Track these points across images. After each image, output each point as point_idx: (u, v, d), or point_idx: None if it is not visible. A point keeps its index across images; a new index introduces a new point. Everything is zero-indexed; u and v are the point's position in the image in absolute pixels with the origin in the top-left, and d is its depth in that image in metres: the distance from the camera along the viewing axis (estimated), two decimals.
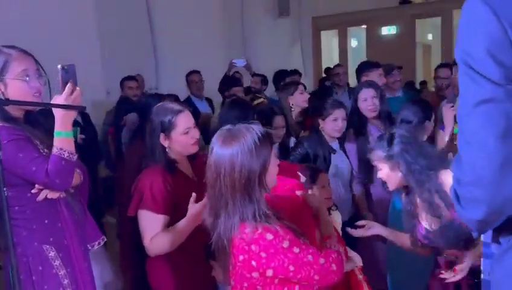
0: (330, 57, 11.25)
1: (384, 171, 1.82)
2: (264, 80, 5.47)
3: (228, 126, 1.37)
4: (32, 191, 1.59)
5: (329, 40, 11.35)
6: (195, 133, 1.86)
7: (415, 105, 2.45)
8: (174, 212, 1.78)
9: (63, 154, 1.54)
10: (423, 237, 1.86)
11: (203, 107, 4.42)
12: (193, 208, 1.66)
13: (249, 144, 1.28)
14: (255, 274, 1.29)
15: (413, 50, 9.83)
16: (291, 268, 1.26)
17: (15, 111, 1.59)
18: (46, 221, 1.62)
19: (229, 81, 4.54)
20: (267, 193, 1.34)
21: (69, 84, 1.51)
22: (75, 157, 1.58)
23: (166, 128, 1.81)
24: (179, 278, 1.82)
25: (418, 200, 1.83)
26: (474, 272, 1.79)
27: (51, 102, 1.53)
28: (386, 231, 2.03)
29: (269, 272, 1.28)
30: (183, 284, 1.82)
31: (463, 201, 0.90)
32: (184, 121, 1.83)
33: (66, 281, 1.63)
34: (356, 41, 12.21)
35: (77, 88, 1.53)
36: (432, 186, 1.72)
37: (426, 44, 12.01)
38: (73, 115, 1.58)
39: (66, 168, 1.54)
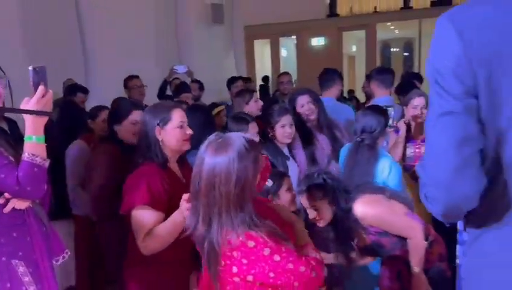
0: (263, 65, 11.51)
1: (323, 209, 1.91)
2: (201, 87, 5.47)
3: (216, 135, 1.36)
4: (0, 201, 1.46)
5: (262, 49, 11.61)
6: (189, 130, 1.85)
7: (376, 113, 2.42)
8: (168, 209, 1.75)
9: (35, 160, 1.45)
10: (360, 251, 2.02)
11: None
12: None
13: (242, 152, 1.27)
14: (236, 279, 1.31)
15: (340, 60, 10.37)
16: (271, 275, 1.27)
17: None
18: (15, 234, 1.51)
19: (179, 87, 4.48)
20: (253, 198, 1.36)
21: (41, 86, 1.43)
22: (47, 163, 1.49)
23: (162, 121, 1.79)
24: (162, 281, 1.77)
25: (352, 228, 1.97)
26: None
27: (22, 105, 1.43)
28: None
29: (249, 278, 1.29)
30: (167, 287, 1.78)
31: (428, 198, 1.02)
32: (179, 115, 1.83)
33: None
34: (286, 50, 12.63)
35: (49, 91, 1.46)
36: (352, 219, 1.89)
37: (351, 55, 12.76)
38: (45, 118, 1.49)
39: (38, 174, 1.45)
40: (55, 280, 1.64)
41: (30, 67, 1.45)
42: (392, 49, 14.31)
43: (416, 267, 1.91)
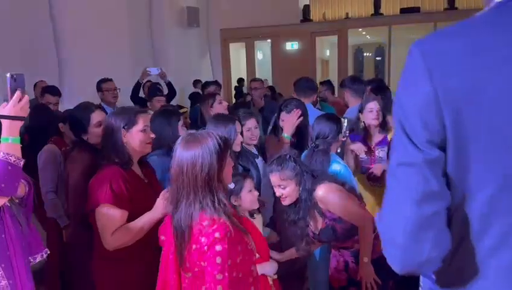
0: (238, 68, 11.65)
1: (290, 188, 2.10)
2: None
3: (191, 131, 1.57)
4: None
5: (238, 52, 11.75)
6: (152, 133, 2.00)
7: (329, 120, 2.61)
8: (131, 208, 1.88)
9: (10, 159, 1.53)
10: (313, 237, 2.22)
11: None
12: (159, 204, 1.79)
13: (209, 146, 1.48)
14: (203, 263, 1.46)
15: (314, 64, 10.61)
16: (219, 277, 1.42)
17: None
18: None
19: (151, 90, 4.59)
20: (224, 188, 1.54)
21: (17, 92, 1.54)
22: (22, 162, 1.58)
23: (127, 125, 1.92)
24: (124, 277, 1.90)
25: (311, 211, 2.16)
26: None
27: None
28: (279, 256, 2.23)
29: (203, 263, 1.46)
30: (128, 284, 1.90)
31: (386, 253, 0.90)
32: (144, 120, 1.99)
33: None
34: (262, 54, 12.82)
35: (25, 96, 1.56)
36: (310, 201, 2.10)
37: (324, 59, 13.04)
38: (20, 122, 1.59)
39: (12, 173, 1.53)
40: (29, 278, 1.72)
41: (8, 74, 1.55)
42: (364, 54, 14.69)
43: (365, 257, 2.10)
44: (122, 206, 1.85)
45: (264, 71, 11.74)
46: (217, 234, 1.43)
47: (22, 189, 1.73)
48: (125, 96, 4.83)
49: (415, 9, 9.89)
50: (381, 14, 10.31)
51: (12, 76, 1.55)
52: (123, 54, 7.20)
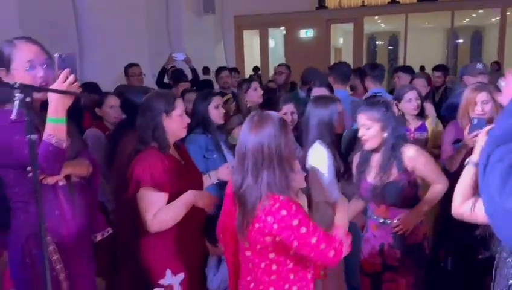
0: (251, 56, 11.61)
1: (374, 130, 2.10)
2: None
3: (255, 112, 1.57)
4: (29, 175, 1.53)
5: (251, 39, 11.69)
6: (187, 119, 2.00)
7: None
8: (171, 189, 1.89)
9: (51, 140, 1.52)
10: (366, 191, 2.20)
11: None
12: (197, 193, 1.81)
13: (277, 126, 1.51)
14: (268, 239, 1.48)
15: (328, 52, 10.55)
16: (295, 243, 1.46)
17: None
18: (45, 205, 1.58)
19: (175, 76, 4.59)
20: (291, 167, 1.55)
21: (64, 72, 1.50)
22: (64, 144, 1.56)
23: (168, 109, 1.92)
24: (169, 255, 1.91)
25: (377, 159, 2.16)
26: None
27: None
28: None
29: (277, 238, 1.48)
30: (174, 261, 1.89)
31: None
32: (181, 105, 1.99)
33: (58, 266, 1.64)
34: (274, 41, 12.75)
35: (71, 76, 1.51)
36: (398, 152, 2.10)
37: (337, 47, 12.96)
38: (67, 103, 1.56)
39: (53, 153, 1.52)
40: (84, 254, 1.76)
41: (56, 54, 1.52)
42: (377, 42, 14.59)
43: (426, 205, 2.14)
44: (162, 189, 1.86)
45: (276, 59, 11.69)
46: (283, 212, 1.45)
47: (84, 170, 1.74)
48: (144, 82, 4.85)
49: None
50: (398, 2, 10.20)
51: (60, 56, 1.52)
52: (140, 38, 7.19)
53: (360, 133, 2.14)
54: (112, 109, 2.88)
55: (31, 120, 1.25)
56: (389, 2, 10.25)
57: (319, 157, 2.36)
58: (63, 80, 1.51)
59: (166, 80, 5.28)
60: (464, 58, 12.57)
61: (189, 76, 5.23)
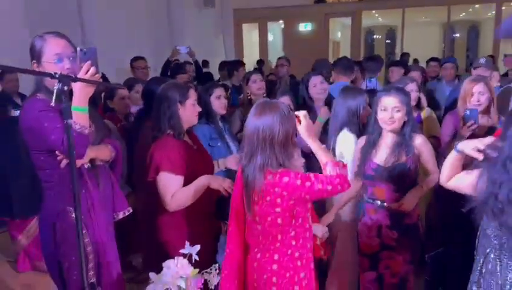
0: (250, 49, 11.72)
1: (401, 113, 2.29)
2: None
3: (264, 100, 1.76)
4: (58, 158, 1.73)
5: (250, 33, 11.80)
6: (198, 107, 2.17)
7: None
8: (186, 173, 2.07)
9: (75, 127, 1.63)
10: (371, 170, 2.37)
11: None
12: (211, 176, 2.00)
13: (283, 111, 1.68)
14: (277, 209, 1.67)
15: (326, 46, 10.68)
16: (308, 197, 1.68)
17: (51, 87, 1.69)
18: (71, 186, 1.78)
19: (174, 69, 4.73)
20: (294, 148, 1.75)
21: (87, 64, 1.62)
22: (87, 130, 1.70)
23: (182, 98, 2.08)
24: (187, 230, 2.09)
25: (389, 141, 2.34)
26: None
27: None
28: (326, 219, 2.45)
29: (291, 202, 1.67)
30: (191, 235, 2.05)
31: None
32: (194, 94, 2.15)
33: (86, 240, 1.80)
34: (272, 35, 12.85)
35: (92, 68, 1.63)
36: (410, 137, 2.30)
37: (336, 41, 13.08)
38: (89, 92, 1.68)
39: (77, 139, 1.63)
40: (108, 230, 1.93)
41: (78, 48, 1.65)
42: (374, 36, 14.72)
43: (425, 186, 2.34)
44: (178, 172, 2.03)
45: (275, 53, 11.80)
46: (285, 179, 1.65)
47: (107, 154, 1.90)
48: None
49: None
50: None
51: (81, 50, 1.64)
52: (141, 32, 7.33)
53: (388, 116, 2.29)
54: (123, 101, 3.03)
55: (68, 107, 1.39)
56: None
57: (347, 142, 2.56)
58: (85, 72, 1.64)
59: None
60: (460, 52, 12.72)
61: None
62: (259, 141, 1.66)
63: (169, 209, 2.03)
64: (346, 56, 4.14)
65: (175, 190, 2.02)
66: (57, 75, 1.34)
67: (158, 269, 1.51)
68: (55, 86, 1.36)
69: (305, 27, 10.72)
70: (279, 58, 5.45)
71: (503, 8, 9.61)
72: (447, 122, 2.87)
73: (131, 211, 2.03)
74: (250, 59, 10.97)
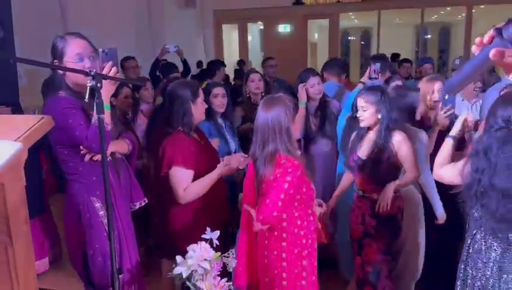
0: (230, 50, 11.82)
1: (369, 112, 2.42)
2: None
3: (270, 96, 1.97)
4: (82, 152, 1.84)
5: (230, 34, 11.90)
6: (205, 104, 2.30)
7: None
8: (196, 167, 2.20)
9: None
10: (354, 162, 2.53)
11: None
12: (222, 167, 2.12)
13: (286, 106, 1.90)
14: (281, 196, 1.87)
15: (305, 47, 10.89)
16: (282, 196, 1.87)
17: (76, 87, 1.83)
18: (94, 178, 1.89)
19: (165, 69, 4.81)
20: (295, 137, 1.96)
21: (108, 64, 1.72)
22: (109, 126, 1.81)
23: (194, 97, 2.21)
24: (197, 222, 2.20)
25: (371, 137, 2.48)
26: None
27: None
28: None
29: (291, 191, 1.90)
30: (201, 226, 2.20)
31: None
32: (202, 93, 2.26)
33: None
34: (251, 36, 13.00)
35: (113, 68, 1.73)
36: (389, 134, 2.42)
37: (313, 42, 13.34)
38: (111, 91, 1.81)
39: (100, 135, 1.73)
40: (128, 219, 2.04)
41: (100, 50, 1.75)
42: (350, 38, 15.07)
43: (398, 182, 2.44)
44: (189, 166, 2.15)
45: (254, 54, 11.95)
46: (289, 169, 1.86)
47: (125, 147, 2.01)
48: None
49: None
50: None
51: (103, 51, 1.74)
52: (123, 32, 7.32)
53: (358, 114, 2.46)
54: (127, 100, 3.11)
55: (101, 102, 1.49)
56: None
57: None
58: (108, 72, 1.73)
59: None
60: (432, 53, 13.19)
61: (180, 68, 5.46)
62: (269, 131, 1.86)
63: (181, 202, 2.14)
64: (337, 57, 4.29)
65: (187, 184, 2.13)
66: (92, 73, 1.43)
67: (172, 255, 1.64)
68: (89, 82, 1.46)
69: (284, 28, 10.90)
70: (267, 59, 5.57)
71: (473, 11, 10.06)
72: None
73: (146, 201, 2.14)
74: (229, 60, 11.08)
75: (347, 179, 2.74)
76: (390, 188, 2.41)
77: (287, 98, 1.96)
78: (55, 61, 1.83)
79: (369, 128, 2.52)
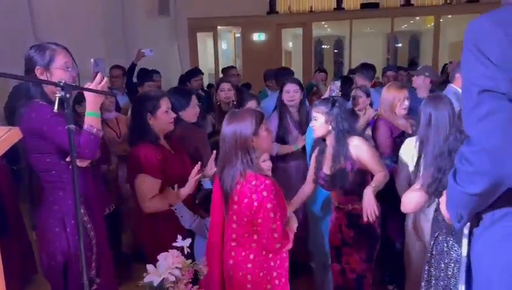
0: (205, 59, 11.84)
1: (319, 122, 2.48)
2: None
3: (233, 110, 1.92)
4: (67, 159, 1.86)
5: (205, 42, 11.93)
6: (173, 114, 2.31)
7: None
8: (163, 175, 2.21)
9: (92, 130, 1.85)
10: (322, 179, 2.59)
11: (125, 101, 4.62)
12: (191, 183, 2.14)
13: (247, 121, 1.88)
14: (260, 220, 1.86)
15: (280, 55, 11.01)
16: (260, 221, 1.86)
17: (52, 94, 1.85)
18: (73, 186, 1.89)
19: (141, 76, 4.80)
20: (257, 155, 1.91)
21: (99, 74, 1.83)
22: (101, 133, 1.90)
23: (152, 109, 2.23)
24: (165, 232, 2.22)
25: (330, 149, 2.53)
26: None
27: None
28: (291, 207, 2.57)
29: (260, 221, 1.85)
30: (168, 236, 2.21)
31: (463, 178, 1.05)
32: (166, 103, 2.29)
33: (92, 233, 1.96)
34: (227, 44, 13.06)
35: (105, 78, 1.85)
36: (344, 143, 2.46)
37: (288, 50, 13.51)
38: (101, 99, 1.89)
39: (94, 141, 1.85)
40: (103, 223, 2.09)
41: (92, 59, 1.84)
42: (324, 46, 15.31)
43: (374, 185, 2.45)
44: (155, 175, 2.17)
45: (229, 62, 11.99)
46: (264, 193, 1.80)
47: (98, 153, 2.04)
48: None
49: (374, 5, 10.53)
50: (343, 8, 10.86)
51: (94, 60, 1.86)
52: (95, 41, 7.26)
53: (311, 124, 2.53)
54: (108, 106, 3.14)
55: (70, 113, 1.51)
56: (335, 8, 10.89)
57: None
58: (99, 82, 1.84)
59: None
60: (402, 61, 13.55)
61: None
62: (234, 149, 1.86)
63: (145, 211, 2.16)
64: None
65: (153, 193, 2.15)
66: (61, 84, 1.45)
67: (148, 262, 1.66)
68: (58, 93, 1.48)
69: (258, 37, 11.00)
70: (228, 68, 5.62)
71: (441, 20, 10.41)
72: (382, 127, 3.15)
73: (114, 207, 2.17)
74: (205, 68, 11.11)
75: (303, 193, 2.75)
76: (369, 194, 2.36)
77: (252, 111, 1.97)
78: (37, 68, 1.83)
79: (324, 140, 2.58)
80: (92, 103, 1.87)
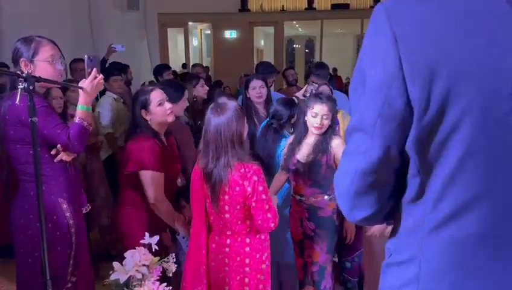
0: (176, 55, 11.71)
1: (328, 121, 2.51)
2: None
3: (217, 102, 1.94)
4: (52, 152, 1.84)
5: (175, 38, 11.80)
6: (168, 105, 2.27)
7: (286, 105, 2.92)
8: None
9: (83, 124, 1.85)
10: (293, 165, 2.61)
11: None
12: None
13: (236, 112, 1.89)
14: (253, 204, 1.89)
15: (251, 53, 11.04)
16: (253, 204, 1.90)
17: (38, 87, 1.81)
18: (61, 179, 1.91)
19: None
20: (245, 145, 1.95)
21: (94, 70, 1.82)
22: (91, 127, 1.90)
23: (145, 105, 2.19)
24: (146, 222, 2.21)
25: (311, 141, 2.57)
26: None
27: (80, 84, 1.84)
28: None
29: (254, 204, 1.90)
30: (149, 226, 2.18)
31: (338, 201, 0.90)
32: (155, 96, 2.24)
33: (73, 230, 1.93)
34: (198, 41, 12.96)
35: (100, 75, 1.86)
36: (329, 140, 2.53)
37: (259, 49, 13.55)
38: (94, 95, 1.90)
39: (83, 134, 1.84)
40: (83, 220, 2.09)
41: (86, 56, 1.85)
42: (295, 46, 15.47)
43: None
44: (161, 170, 2.18)
45: (199, 58, 11.92)
46: (255, 177, 1.87)
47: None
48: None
49: (344, 6, 10.70)
50: (314, 8, 10.99)
51: (89, 57, 1.85)
52: (62, 34, 7.03)
53: (317, 121, 2.53)
54: (55, 101, 3.00)
55: (33, 105, 1.46)
56: (306, 8, 11.00)
57: None
58: (94, 78, 1.84)
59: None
60: None
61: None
62: (222, 142, 1.85)
63: (157, 204, 2.19)
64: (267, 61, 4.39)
65: (160, 187, 2.17)
66: (24, 74, 1.40)
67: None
68: (20, 85, 1.42)
69: (230, 34, 10.99)
70: (194, 65, 5.55)
71: None
72: None
73: (90, 207, 2.14)
74: (176, 63, 10.99)
75: (279, 181, 2.77)
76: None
77: (234, 104, 1.97)
78: (22, 59, 1.82)
79: (306, 132, 2.61)
80: (84, 97, 1.87)
